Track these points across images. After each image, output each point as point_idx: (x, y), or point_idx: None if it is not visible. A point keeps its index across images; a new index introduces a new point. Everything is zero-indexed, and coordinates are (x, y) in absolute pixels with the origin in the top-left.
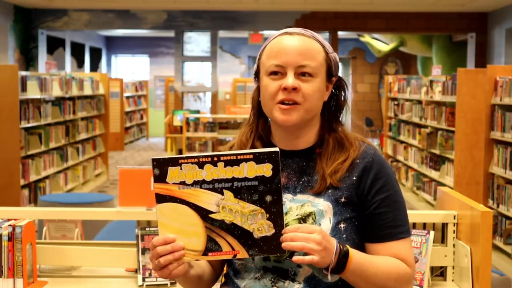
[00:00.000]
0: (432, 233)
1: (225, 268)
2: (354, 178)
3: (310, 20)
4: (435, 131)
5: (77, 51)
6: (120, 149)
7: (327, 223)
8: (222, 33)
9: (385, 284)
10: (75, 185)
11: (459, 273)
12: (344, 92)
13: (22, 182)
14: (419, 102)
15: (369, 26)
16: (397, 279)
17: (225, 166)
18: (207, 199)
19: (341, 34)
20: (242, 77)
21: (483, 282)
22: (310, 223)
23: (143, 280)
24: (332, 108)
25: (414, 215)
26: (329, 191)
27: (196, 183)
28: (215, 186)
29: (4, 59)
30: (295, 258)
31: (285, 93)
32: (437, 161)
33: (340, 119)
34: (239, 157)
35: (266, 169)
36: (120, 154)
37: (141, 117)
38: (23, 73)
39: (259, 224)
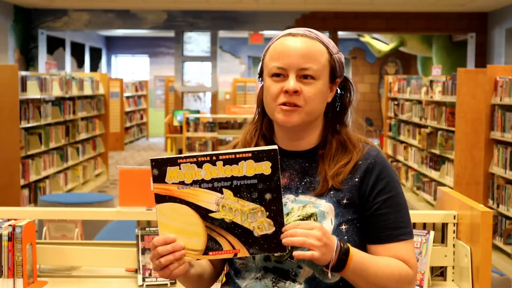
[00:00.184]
0: (432, 233)
1: (226, 268)
2: (356, 179)
3: (310, 20)
4: (435, 131)
5: (77, 51)
6: (120, 149)
7: (328, 225)
8: (222, 33)
9: (386, 284)
10: (75, 185)
11: (459, 273)
12: (350, 93)
13: (22, 182)
14: (419, 102)
15: (369, 26)
16: (398, 280)
17: (224, 165)
18: (207, 199)
19: (341, 34)
20: (242, 77)
21: (483, 282)
22: None
23: (143, 280)
24: (336, 109)
25: (414, 215)
26: (331, 192)
27: (195, 183)
28: (215, 185)
29: (4, 59)
30: (295, 253)
31: (287, 96)
32: (437, 161)
33: (344, 120)
34: (238, 155)
35: (265, 167)
36: (120, 154)
37: (141, 117)
38: (23, 73)
39: (259, 222)
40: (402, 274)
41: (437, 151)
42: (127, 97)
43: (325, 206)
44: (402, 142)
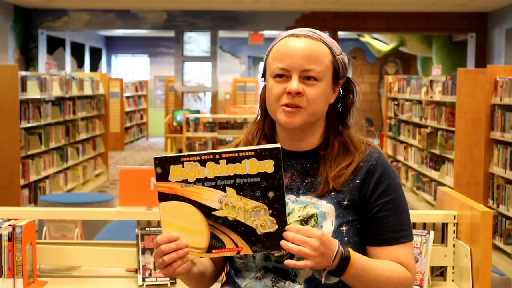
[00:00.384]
0: (432, 233)
1: (226, 267)
2: (358, 181)
3: (310, 20)
4: (435, 131)
5: (77, 51)
6: (120, 149)
7: (329, 225)
8: (222, 33)
9: None
10: (75, 185)
11: (459, 273)
12: (352, 94)
13: (22, 182)
14: (419, 102)
15: (369, 26)
16: (397, 284)
17: (227, 163)
18: (210, 197)
19: (341, 34)
20: (242, 77)
21: (483, 282)
22: (312, 224)
23: (143, 280)
24: (339, 110)
25: (414, 215)
26: (332, 193)
27: (198, 181)
28: (218, 183)
29: (4, 59)
30: (287, 262)
31: (289, 97)
32: (437, 161)
33: (346, 121)
34: (241, 154)
35: (268, 166)
36: (120, 154)
37: (141, 117)
38: (23, 73)
39: (262, 220)
40: (401, 277)
41: (437, 151)
42: (127, 97)
43: (326, 207)
44: (402, 142)
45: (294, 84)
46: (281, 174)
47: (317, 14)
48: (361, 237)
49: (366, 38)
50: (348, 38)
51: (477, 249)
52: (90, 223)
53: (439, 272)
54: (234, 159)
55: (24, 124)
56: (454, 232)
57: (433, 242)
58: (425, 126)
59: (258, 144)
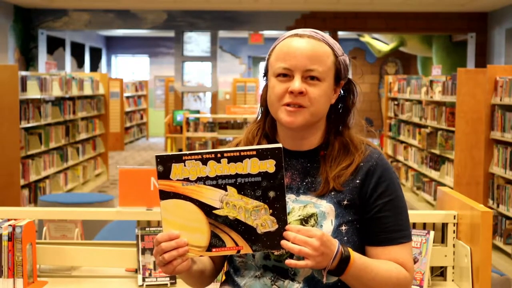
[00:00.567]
0: (432, 233)
1: (226, 266)
2: (358, 181)
3: (310, 20)
4: (435, 131)
5: (77, 51)
6: (120, 149)
7: (328, 225)
8: (222, 33)
9: None
10: (75, 185)
11: (459, 273)
12: (353, 95)
13: (22, 182)
14: (419, 102)
15: (369, 26)
16: (396, 284)
17: (228, 163)
18: (211, 195)
19: (341, 34)
20: (242, 77)
21: (483, 282)
22: (312, 224)
23: (143, 280)
24: (339, 111)
25: (414, 215)
26: (332, 193)
27: (199, 180)
28: (219, 182)
29: (4, 59)
30: (288, 261)
31: (292, 96)
32: (437, 161)
33: (347, 122)
34: (242, 153)
35: (269, 165)
36: (120, 154)
37: (141, 117)
38: (23, 73)
39: (262, 220)
40: (400, 278)
41: (437, 151)
42: (127, 97)
43: (325, 206)
44: (402, 142)
45: (297, 83)
46: (282, 174)
47: (317, 14)
48: (361, 237)
49: (366, 38)
50: (348, 38)
51: (477, 249)
52: (90, 223)
53: (439, 272)
54: (236, 158)
55: (24, 124)
56: (454, 232)
57: (433, 242)
58: (425, 126)
59: (258, 143)
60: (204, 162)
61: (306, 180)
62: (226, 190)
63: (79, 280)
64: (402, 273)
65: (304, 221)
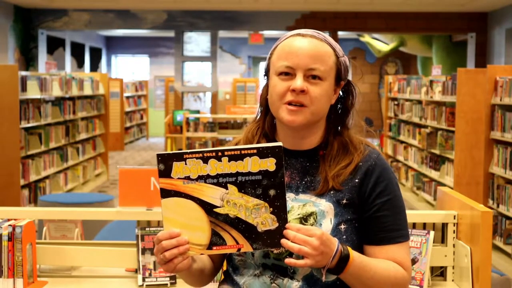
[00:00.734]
0: (432, 233)
1: (224, 266)
2: (357, 180)
3: (310, 20)
4: (435, 131)
5: (77, 51)
6: (120, 149)
7: (327, 224)
8: (222, 33)
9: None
10: (75, 185)
11: (459, 273)
12: (352, 96)
13: (22, 182)
14: (419, 102)
15: (369, 26)
16: (394, 283)
17: (229, 161)
18: (212, 194)
19: (341, 34)
20: (242, 77)
21: (483, 282)
22: (311, 222)
23: (143, 280)
24: (338, 111)
25: (414, 215)
26: (331, 192)
27: (200, 178)
28: (220, 180)
29: (4, 59)
30: (288, 260)
31: (293, 94)
32: (437, 161)
33: (346, 122)
34: (243, 152)
35: (269, 164)
36: (120, 154)
37: (141, 117)
38: (23, 73)
39: (262, 218)
40: (398, 277)
41: (437, 151)
42: (127, 97)
43: (325, 205)
44: (402, 142)
45: (299, 82)
46: (283, 173)
47: (317, 14)
48: (359, 236)
49: (366, 38)
50: (348, 38)
51: (477, 249)
52: (90, 223)
53: (439, 272)
54: (236, 156)
55: (24, 124)
56: (454, 232)
57: (433, 242)
58: (425, 126)
59: (258, 142)
60: (205, 160)
61: (305, 179)
62: (226, 189)
63: (79, 280)
64: (400, 272)
65: (304, 219)
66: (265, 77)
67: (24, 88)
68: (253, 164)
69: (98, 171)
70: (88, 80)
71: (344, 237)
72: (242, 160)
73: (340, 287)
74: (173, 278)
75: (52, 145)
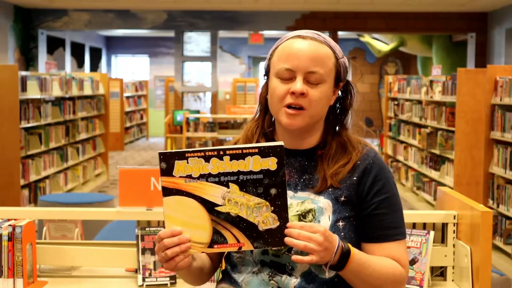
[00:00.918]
0: (432, 233)
1: (223, 265)
2: (355, 178)
3: (310, 20)
4: (435, 131)
5: (77, 51)
6: (120, 149)
7: (326, 221)
8: (222, 33)
9: (381, 285)
10: (75, 185)
11: (459, 273)
12: (351, 97)
13: (22, 182)
14: (419, 102)
15: (369, 26)
16: (393, 280)
17: (230, 160)
18: (213, 192)
19: (341, 34)
20: (242, 77)
21: (483, 282)
22: (310, 219)
23: (143, 280)
24: (337, 112)
25: (414, 215)
26: (330, 190)
27: (202, 177)
28: (221, 179)
29: (4, 59)
30: (294, 257)
31: (293, 97)
32: (437, 161)
33: (344, 123)
34: (244, 151)
35: (271, 163)
36: (120, 154)
37: (141, 117)
38: (23, 73)
39: (264, 217)
40: (396, 274)
41: (437, 151)
42: (127, 97)
43: (323, 202)
44: (402, 142)
45: (299, 84)
46: (284, 172)
47: (317, 14)
48: (357, 234)
49: (366, 38)
50: (348, 38)
51: (477, 249)
52: (90, 223)
53: (439, 272)
54: (238, 155)
55: (24, 124)
56: (454, 232)
57: (433, 242)
58: (425, 126)
59: (257, 141)
60: (207, 159)
61: (304, 177)
62: (228, 187)
63: (79, 280)
64: (398, 269)
65: (302, 216)
66: (265, 77)
67: (24, 88)
68: (254, 163)
69: (98, 171)
70: (88, 80)
71: (342, 234)
72: (244, 159)
73: (338, 284)
74: (173, 278)
75: (52, 145)
